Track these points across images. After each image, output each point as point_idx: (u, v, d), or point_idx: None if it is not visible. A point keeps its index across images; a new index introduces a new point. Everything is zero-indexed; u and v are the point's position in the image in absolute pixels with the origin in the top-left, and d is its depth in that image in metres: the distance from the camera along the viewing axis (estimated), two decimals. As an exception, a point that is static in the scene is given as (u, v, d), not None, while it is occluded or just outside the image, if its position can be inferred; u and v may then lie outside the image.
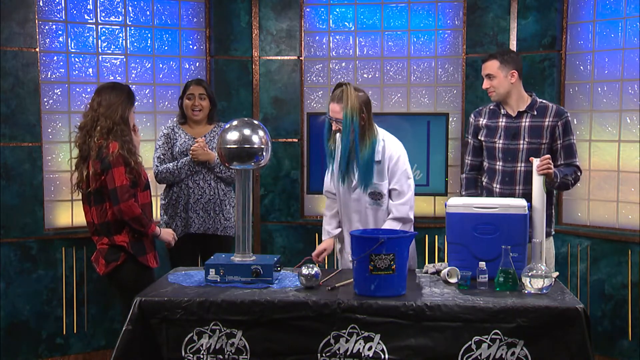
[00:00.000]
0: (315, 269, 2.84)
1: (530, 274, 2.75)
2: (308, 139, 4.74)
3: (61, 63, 4.40)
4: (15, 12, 4.16)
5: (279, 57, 4.83)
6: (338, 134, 3.30)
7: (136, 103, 3.37)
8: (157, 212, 4.41)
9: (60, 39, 4.39)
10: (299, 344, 2.63)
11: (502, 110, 3.46)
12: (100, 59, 4.52)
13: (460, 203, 3.00)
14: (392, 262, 2.67)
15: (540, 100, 3.46)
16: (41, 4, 4.30)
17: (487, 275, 2.84)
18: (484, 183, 3.54)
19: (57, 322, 4.36)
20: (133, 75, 4.63)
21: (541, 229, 3.06)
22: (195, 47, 4.82)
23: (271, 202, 4.86)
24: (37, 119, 4.25)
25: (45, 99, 4.34)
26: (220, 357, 2.65)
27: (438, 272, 3.07)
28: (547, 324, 2.55)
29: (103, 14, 4.51)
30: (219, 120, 4.13)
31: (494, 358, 2.56)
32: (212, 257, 3.11)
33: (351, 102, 3.18)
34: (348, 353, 2.60)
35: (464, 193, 3.61)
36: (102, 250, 3.23)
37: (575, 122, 4.44)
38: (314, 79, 4.89)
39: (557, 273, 3.03)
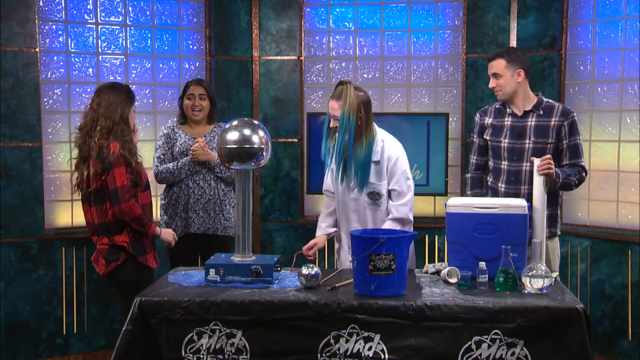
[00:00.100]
0: (315, 269, 2.83)
1: (530, 274, 2.74)
2: (308, 139, 4.74)
3: (61, 63, 4.40)
4: (15, 12, 4.16)
5: (279, 57, 4.83)
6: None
7: (136, 103, 3.37)
8: (157, 212, 4.41)
9: (60, 39, 4.39)
10: (299, 344, 2.63)
11: (507, 110, 3.45)
12: (100, 59, 4.52)
13: (460, 203, 2.99)
14: (392, 262, 2.67)
15: (547, 99, 3.43)
16: (41, 4, 4.30)
17: (487, 275, 2.83)
18: (489, 183, 3.52)
19: (57, 322, 4.36)
20: (133, 75, 4.63)
21: (541, 229, 3.05)
22: (195, 47, 4.82)
23: (271, 202, 4.86)
24: (37, 119, 4.25)
25: (45, 99, 4.34)
26: (220, 357, 2.65)
27: (438, 272, 3.07)
28: (547, 324, 2.55)
29: (103, 14, 4.51)
30: (219, 121, 4.13)
31: (494, 358, 2.56)
32: (212, 257, 3.11)
33: (350, 100, 3.17)
34: (348, 353, 2.60)
35: (469, 192, 3.59)
36: (102, 250, 3.23)
37: (576, 122, 4.45)
38: (314, 79, 4.89)
39: (557, 273, 3.03)
